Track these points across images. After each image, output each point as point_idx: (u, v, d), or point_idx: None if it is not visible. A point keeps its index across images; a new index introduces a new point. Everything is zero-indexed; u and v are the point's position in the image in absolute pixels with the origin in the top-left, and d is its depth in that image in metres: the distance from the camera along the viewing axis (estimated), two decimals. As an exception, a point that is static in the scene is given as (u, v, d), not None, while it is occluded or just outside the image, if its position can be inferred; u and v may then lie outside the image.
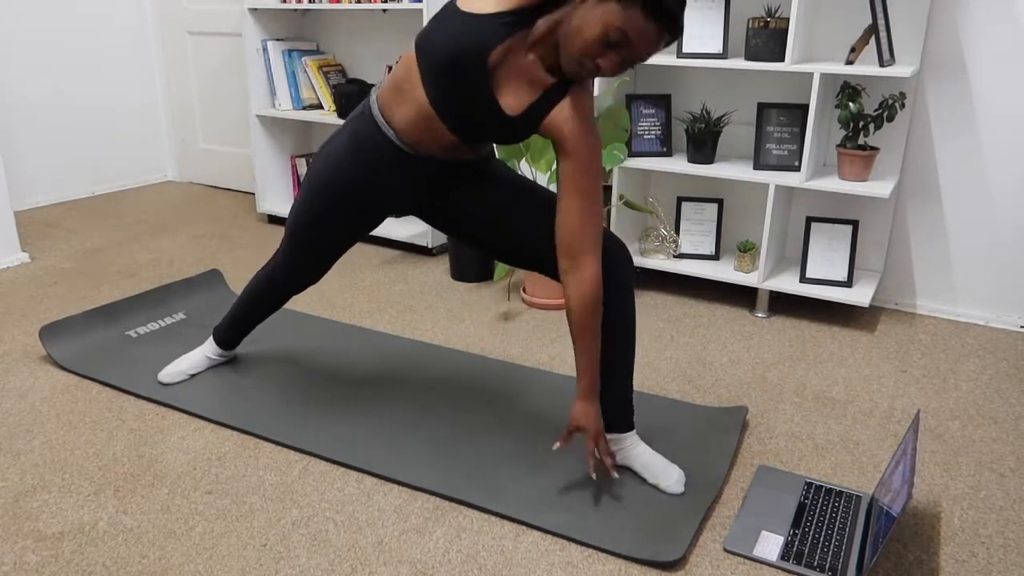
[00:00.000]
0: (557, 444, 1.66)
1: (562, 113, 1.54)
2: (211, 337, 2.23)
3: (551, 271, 1.74)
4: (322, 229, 1.83)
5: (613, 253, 1.67)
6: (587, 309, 1.58)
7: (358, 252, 3.38)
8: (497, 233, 1.77)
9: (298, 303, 2.80)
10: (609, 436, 1.78)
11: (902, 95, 2.52)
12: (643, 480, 1.76)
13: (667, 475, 1.73)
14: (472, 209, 1.78)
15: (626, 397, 1.75)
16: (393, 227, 3.45)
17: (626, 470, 1.79)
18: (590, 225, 1.56)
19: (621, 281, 1.69)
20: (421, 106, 1.60)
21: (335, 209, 1.79)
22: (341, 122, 3.37)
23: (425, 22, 3.00)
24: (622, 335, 1.71)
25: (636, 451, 1.78)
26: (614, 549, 1.54)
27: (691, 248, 2.94)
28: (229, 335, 2.20)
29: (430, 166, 1.72)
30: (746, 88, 2.87)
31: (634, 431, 1.80)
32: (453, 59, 1.51)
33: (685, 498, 1.70)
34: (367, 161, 1.72)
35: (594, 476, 1.65)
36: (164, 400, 2.08)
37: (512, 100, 1.55)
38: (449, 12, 1.53)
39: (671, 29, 1.40)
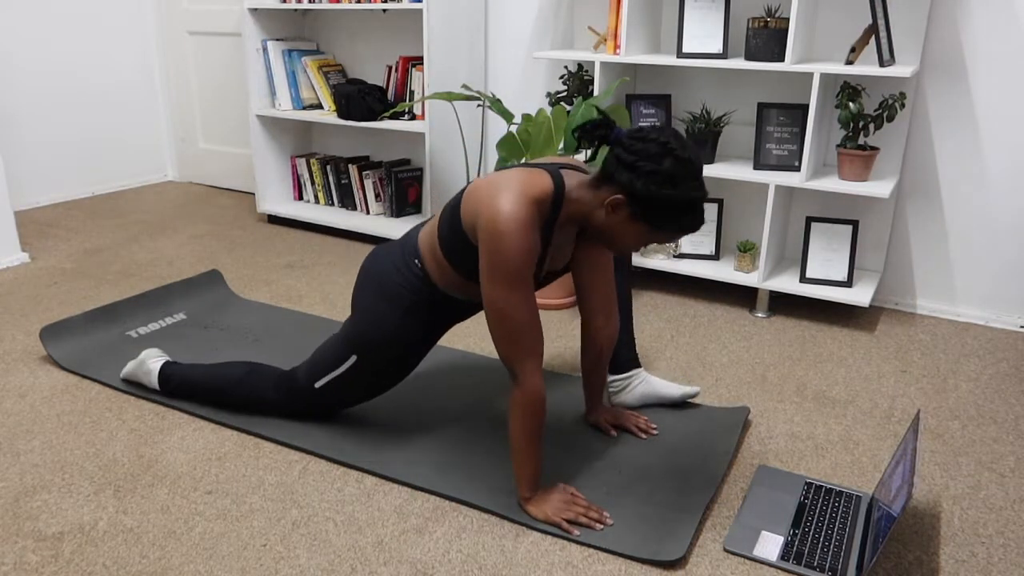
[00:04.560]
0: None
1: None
2: (158, 370, 2.08)
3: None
4: (389, 381, 1.89)
5: None
6: (613, 348, 1.90)
7: (359, 252, 3.38)
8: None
9: (299, 303, 2.80)
10: (631, 373, 2.05)
11: (902, 95, 2.52)
12: (669, 401, 2.07)
13: (683, 387, 2.07)
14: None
15: (633, 335, 2.07)
16: (394, 227, 3.45)
17: (622, 472, 1.80)
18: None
19: None
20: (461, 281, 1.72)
21: (400, 363, 1.85)
22: (341, 122, 3.38)
23: (425, 22, 3.01)
24: (626, 282, 2.00)
25: (651, 380, 2.07)
26: (614, 549, 1.54)
27: (691, 248, 2.94)
28: (182, 395, 2.07)
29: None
30: (746, 88, 2.87)
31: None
32: None
33: (685, 498, 1.70)
34: (429, 316, 1.79)
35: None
36: (164, 400, 2.08)
37: (558, 260, 1.74)
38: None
39: (696, 228, 1.55)
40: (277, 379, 1.95)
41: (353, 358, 1.81)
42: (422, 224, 1.81)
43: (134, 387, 2.14)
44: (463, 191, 1.64)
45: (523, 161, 2.65)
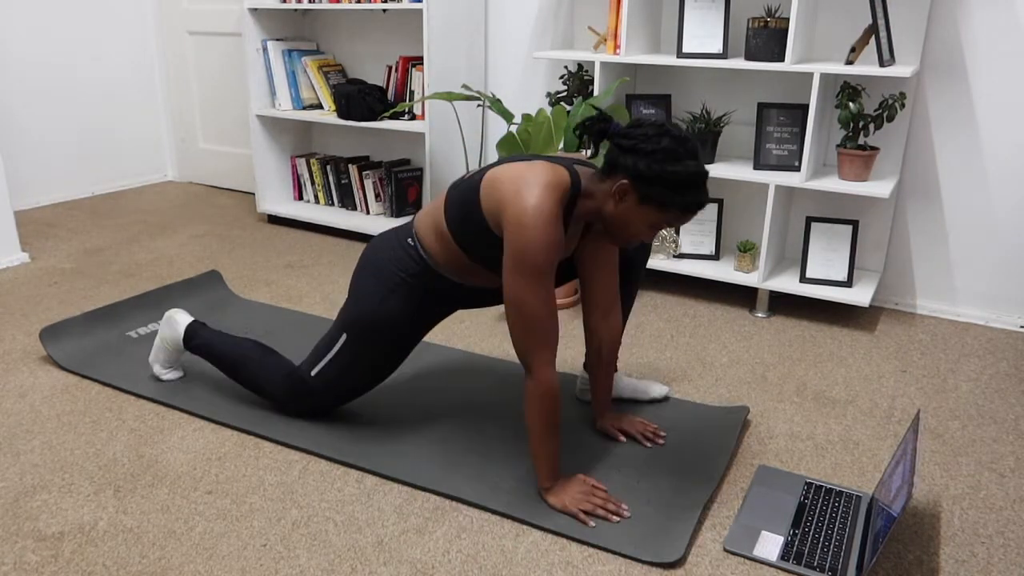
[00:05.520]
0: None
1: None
2: (186, 323, 2.12)
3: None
4: (380, 366, 1.91)
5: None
6: (616, 346, 1.88)
7: (359, 252, 3.38)
8: None
9: (299, 303, 2.80)
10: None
11: (902, 95, 2.52)
12: (637, 400, 2.11)
13: (653, 388, 2.11)
14: None
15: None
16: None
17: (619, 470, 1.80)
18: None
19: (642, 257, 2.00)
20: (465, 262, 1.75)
21: (393, 348, 1.88)
22: (341, 122, 3.38)
23: (425, 22, 3.01)
24: (632, 292, 1.99)
25: (623, 382, 2.12)
26: (614, 549, 1.54)
27: (691, 248, 2.94)
28: (201, 353, 2.09)
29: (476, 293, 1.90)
30: (746, 88, 2.87)
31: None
32: None
33: (685, 498, 1.70)
34: (419, 297, 1.82)
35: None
36: (164, 400, 2.08)
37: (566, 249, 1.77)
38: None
39: (702, 206, 1.58)
40: (289, 369, 1.98)
41: (343, 336, 1.85)
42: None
43: (132, 383, 2.14)
44: (477, 176, 1.67)
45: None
